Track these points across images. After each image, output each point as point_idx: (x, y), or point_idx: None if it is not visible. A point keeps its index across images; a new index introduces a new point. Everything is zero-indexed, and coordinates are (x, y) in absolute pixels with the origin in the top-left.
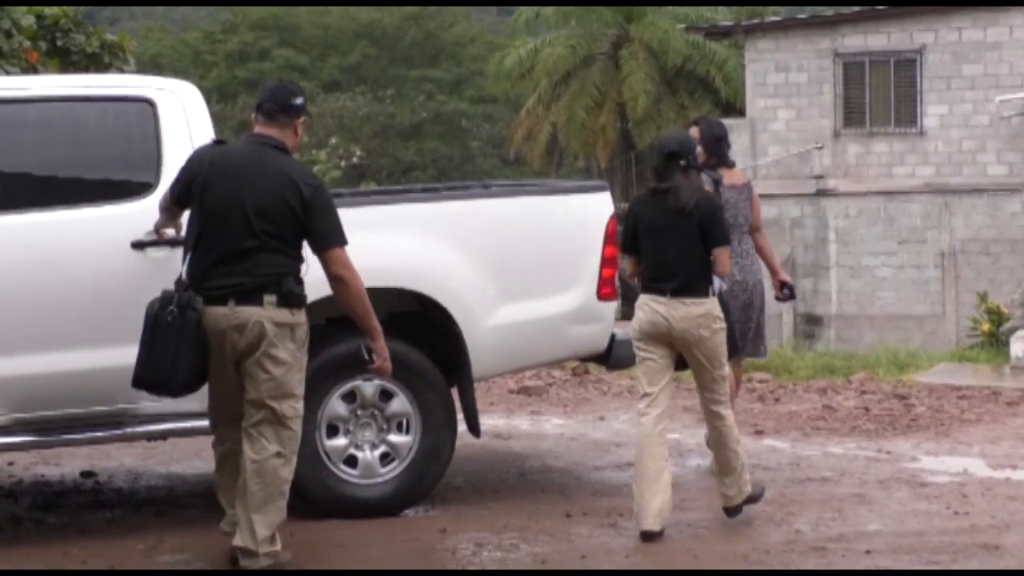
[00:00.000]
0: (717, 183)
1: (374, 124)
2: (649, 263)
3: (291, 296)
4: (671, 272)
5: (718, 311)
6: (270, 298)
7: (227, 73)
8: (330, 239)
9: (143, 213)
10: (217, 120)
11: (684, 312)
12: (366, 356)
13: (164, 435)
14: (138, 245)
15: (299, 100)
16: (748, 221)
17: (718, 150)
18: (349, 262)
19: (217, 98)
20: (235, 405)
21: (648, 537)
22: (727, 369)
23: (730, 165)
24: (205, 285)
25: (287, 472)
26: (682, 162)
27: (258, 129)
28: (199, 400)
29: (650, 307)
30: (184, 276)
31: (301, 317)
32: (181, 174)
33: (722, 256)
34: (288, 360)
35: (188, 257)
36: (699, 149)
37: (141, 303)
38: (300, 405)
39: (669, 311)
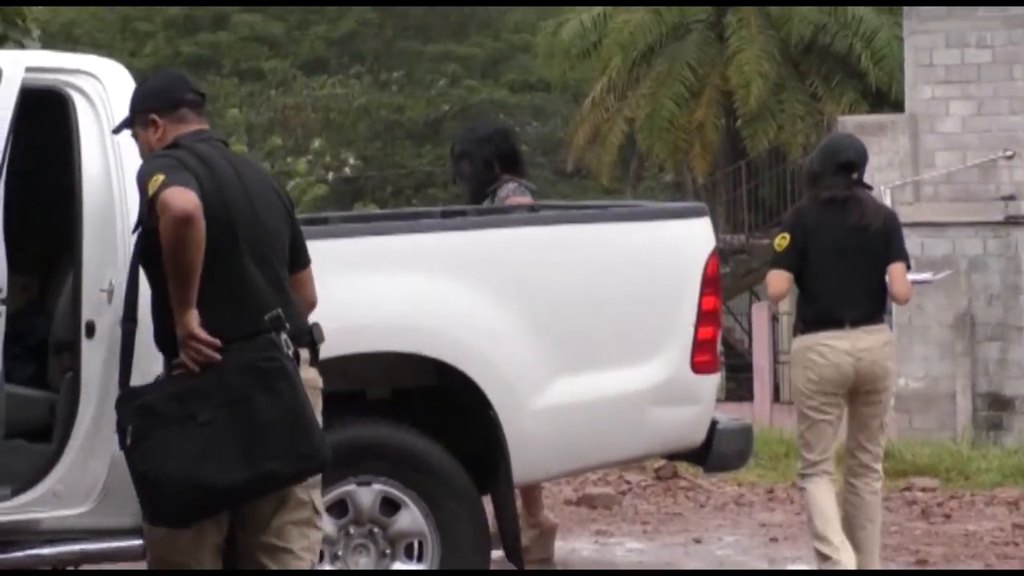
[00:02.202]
0: (534, 193)
1: (375, 120)
2: (823, 290)
3: (317, 350)
4: (852, 299)
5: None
6: (304, 354)
7: (168, 48)
8: (308, 252)
9: None
10: None
11: (871, 341)
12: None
13: (76, 560)
14: None
15: None
16: None
17: (519, 157)
18: None
19: None
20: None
21: None
22: None
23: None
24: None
25: None
26: (855, 175)
27: (195, 126)
28: (126, 511)
29: (828, 347)
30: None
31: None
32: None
33: (900, 273)
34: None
35: (220, 303)
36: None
37: None
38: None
39: (854, 344)
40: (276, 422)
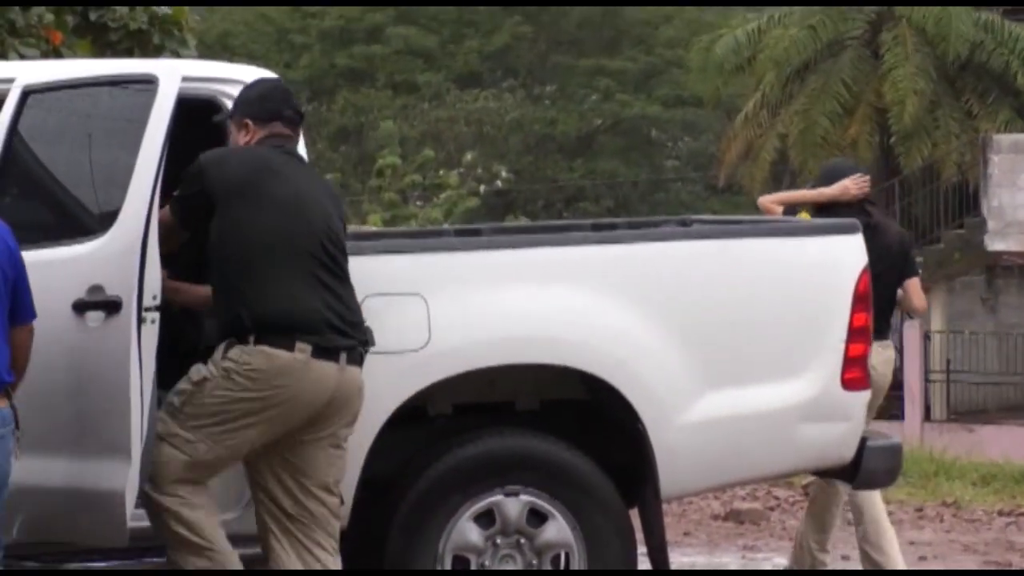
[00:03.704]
0: None
1: (527, 134)
2: None
3: (365, 352)
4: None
5: None
6: (364, 355)
7: (323, 60)
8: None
9: None
10: (307, 125)
11: (884, 356)
12: None
13: None
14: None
15: None
16: None
17: None
18: None
19: (309, 94)
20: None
21: None
22: None
23: None
24: (320, 331)
25: None
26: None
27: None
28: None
29: None
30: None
31: None
32: (240, 173)
33: (917, 287)
34: None
35: (251, 291)
36: None
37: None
38: None
39: (872, 358)
40: None
